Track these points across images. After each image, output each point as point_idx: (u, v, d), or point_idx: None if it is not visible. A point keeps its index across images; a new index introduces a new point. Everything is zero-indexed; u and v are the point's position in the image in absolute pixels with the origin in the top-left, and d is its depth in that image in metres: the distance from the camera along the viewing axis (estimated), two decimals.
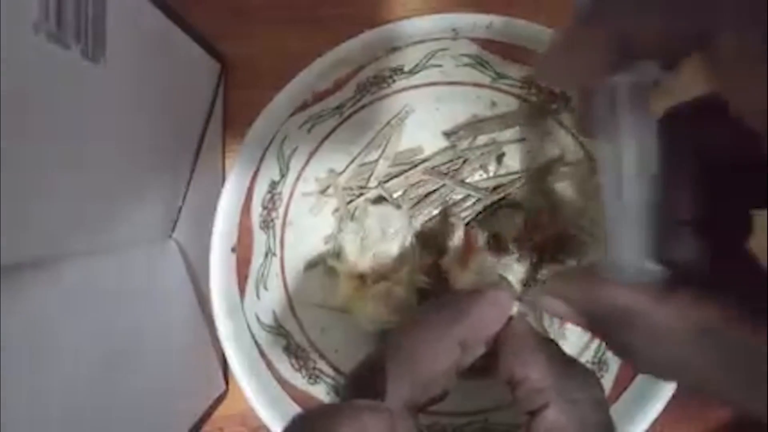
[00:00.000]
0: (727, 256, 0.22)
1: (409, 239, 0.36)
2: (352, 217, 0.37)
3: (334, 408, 0.24)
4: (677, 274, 0.20)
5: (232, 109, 0.41)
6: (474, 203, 0.37)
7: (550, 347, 0.27)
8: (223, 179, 0.39)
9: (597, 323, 0.22)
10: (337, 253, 0.37)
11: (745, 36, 0.15)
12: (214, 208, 0.32)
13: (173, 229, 0.34)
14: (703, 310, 0.18)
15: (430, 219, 0.38)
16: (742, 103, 0.17)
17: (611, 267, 0.21)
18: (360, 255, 0.36)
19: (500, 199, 0.37)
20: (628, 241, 0.21)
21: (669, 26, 0.17)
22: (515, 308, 0.27)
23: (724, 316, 0.18)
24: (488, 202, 0.37)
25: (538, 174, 0.37)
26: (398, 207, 0.37)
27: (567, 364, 0.26)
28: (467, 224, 0.37)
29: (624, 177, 0.21)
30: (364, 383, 0.27)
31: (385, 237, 0.36)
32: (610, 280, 0.21)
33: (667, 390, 0.32)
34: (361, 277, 0.36)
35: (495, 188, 0.37)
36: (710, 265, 0.21)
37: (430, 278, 0.36)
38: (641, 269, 0.21)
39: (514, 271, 0.35)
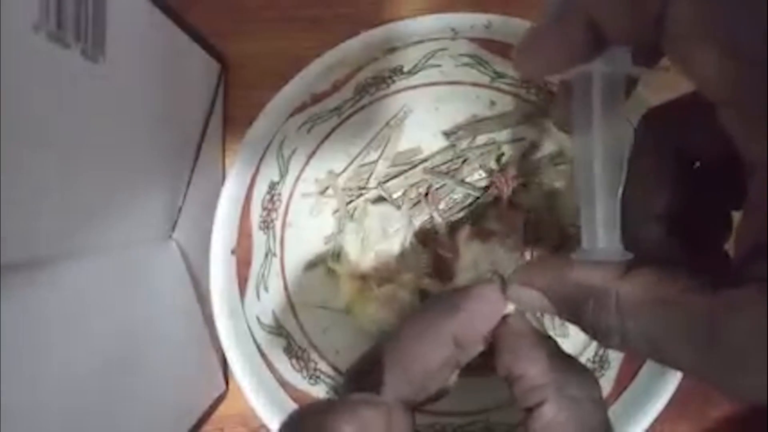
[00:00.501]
0: (699, 251, 0.22)
1: (409, 239, 0.36)
2: (352, 218, 0.37)
3: (332, 403, 0.24)
4: (645, 256, 0.21)
5: (232, 108, 0.41)
6: (473, 203, 0.37)
7: (549, 344, 0.27)
8: (224, 179, 0.39)
9: (567, 305, 0.22)
10: (338, 254, 0.37)
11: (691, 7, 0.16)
12: (215, 208, 0.32)
13: (173, 229, 0.34)
14: (666, 285, 0.19)
15: (430, 219, 0.37)
16: (693, 73, 0.17)
17: (583, 253, 0.22)
18: (361, 255, 0.36)
19: (498, 198, 0.37)
20: (599, 229, 0.22)
21: (632, 7, 0.18)
22: (511, 306, 0.27)
23: (684, 287, 0.18)
24: (487, 201, 0.37)
25: (537, 173, 0.37)
26: (398, 207, 0.37)
27: (565, 361, 0.26)
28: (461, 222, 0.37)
29: (595, 167, 0.21)
30: (362, 378, 0.27)
31: (385, 236, 0.36)
32: (578, 262, 0.22)
33: (669, 388, 0.31)
34: (363, 278, 0.36)
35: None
36: (681, 258, 0.22)
37: (432, 279, 0.36)
38: (611, 254, 0.21)
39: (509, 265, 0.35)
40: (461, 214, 0.37)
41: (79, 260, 0.24)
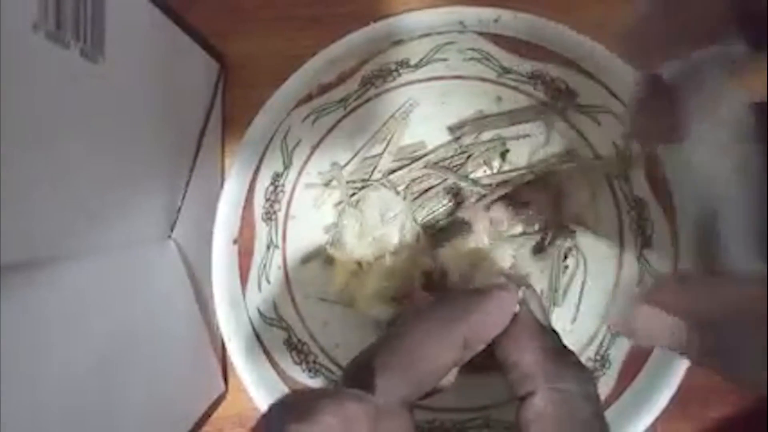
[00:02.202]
0: None
1: (409, 226, 0.36)
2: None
3: (318, 392, 0.24)
4: None
5: (231, 108, 0.41)
6: (477, 201, 0.37)
7: (549, 337, 0.27)
8: (222, 180, 0.39)
9: (713, 330, 0.19)
10: (336, 242, 0.37)
11: None
12: (214, 208, 0.32)
13: (172, 230, 0.34)
14: None
15: (432, 213, 0.37)
16: None
17: (719, 269, 0.20)
18: (358, 240, 0.36)
19: (503, 196, 0.37)
20: (731, 241, 0.19)
21: None
22: (517, 306, 0.27)
23: None
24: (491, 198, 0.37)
25: (543, 171, 0.37)
26: (397, 193, 0.36)
27: (561, 355, 0.26)
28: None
29: (720, 172, 0.19)
30: (361, 374, 0.26)
31: (383, 222, 0.36)
32: (732, 279, 0.19)
33: (670, 388, 0.31)
34: (359, 264, 0.36)
35: (498, 185, 0.37)
36: None
37: (433, 262, 0.36)
38: (752, 268, 0.19)
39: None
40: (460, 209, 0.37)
41: (79, 260, 0.24)
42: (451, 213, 0.37)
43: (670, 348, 0.21)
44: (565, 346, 0.27)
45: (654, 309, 0.21)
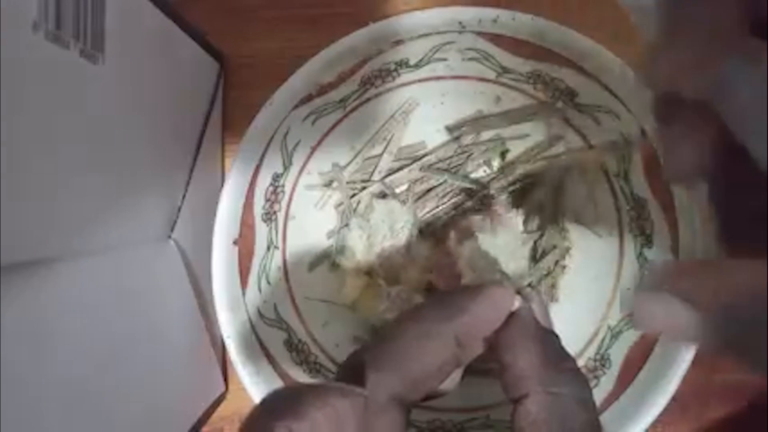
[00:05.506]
0: None
1: (414, 234, 0.36)
2: (355, 212, 0.37)
3: (304, 387, 0.23)
4: None
5: (231, 108, 0.41)
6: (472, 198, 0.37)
7: (547, 339, 0.26)
8: (222, 179, 0.39)
9: (733, 316, 0.17)
10: (341, 249, 0.37)
11: None
12: (214, 208, 0.32)
13: (172, 230, 0.34)
14: None
15: (431, 213, 0.37)
16: None
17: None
18: (366, 252, 0.36)
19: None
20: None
21: None
22: (516, 303, 0.27)
23: None
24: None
25: (541, 169, 0.37)
26: (403, 203, 0.36)
27: (557, 359, 0.26)
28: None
29: None
30: (352, 373, 0.26)
31: (392, 233, 0.36)
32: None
33: (669, 389, 0.31)
34: (369, 274, 0.36)
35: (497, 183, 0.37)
36: None
37: (437, 273, 0.36)
38: None
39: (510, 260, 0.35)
40: (460, 210, 0.37)
41: (79, 260, 0.24)
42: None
43: (683, 338, 0.20)
44: (563, 350, 0.27)
45: (662, 297, 0.19)
